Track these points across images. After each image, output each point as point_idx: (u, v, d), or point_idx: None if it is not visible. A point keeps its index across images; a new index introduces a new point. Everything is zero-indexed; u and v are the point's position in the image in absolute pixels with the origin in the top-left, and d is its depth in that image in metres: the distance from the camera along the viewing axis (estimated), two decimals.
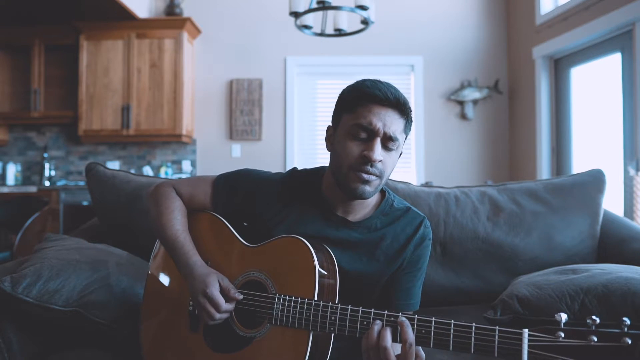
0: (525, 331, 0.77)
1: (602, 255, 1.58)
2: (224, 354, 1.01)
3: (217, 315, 1.00)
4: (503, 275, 1.56)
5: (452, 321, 0.84)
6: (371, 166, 0.98)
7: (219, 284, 1.02)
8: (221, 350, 1.02)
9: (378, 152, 0.98)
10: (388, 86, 1.00)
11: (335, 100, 1.08)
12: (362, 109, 0.99)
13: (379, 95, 0.98)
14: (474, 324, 0.82)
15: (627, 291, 1.07)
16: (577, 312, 1.09)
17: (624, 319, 0.74)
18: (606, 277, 1.14)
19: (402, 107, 1.00)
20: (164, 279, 1.16)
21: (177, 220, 1.13)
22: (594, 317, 0.75)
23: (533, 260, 1.55)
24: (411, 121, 1.04)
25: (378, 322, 0.88)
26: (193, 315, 1.07)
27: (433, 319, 0.86)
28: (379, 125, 0.97)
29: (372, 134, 0.98)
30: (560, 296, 1.12)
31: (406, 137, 1.05)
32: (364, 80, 1.03)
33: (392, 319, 0.88)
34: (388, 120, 0.98)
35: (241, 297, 1.02)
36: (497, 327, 0.80)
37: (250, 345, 0.99)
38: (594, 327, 0.75)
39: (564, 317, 0.77)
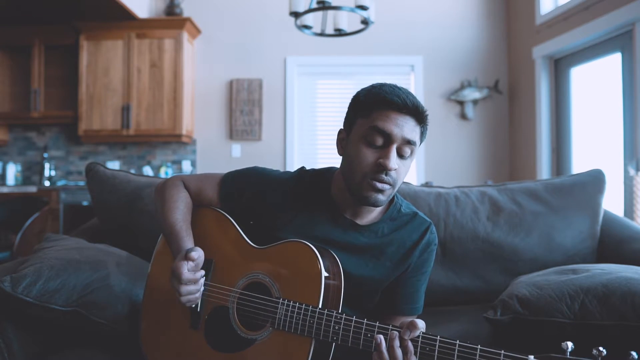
0: (531, 357, 0.76)
1: (602, 255, 1.57)
2: (224, 353, 1.01)
3: (182, 289, 0.98)
4: (503, 275, 1.56)
5: (457, 342, 0.83)
6: (386, 174, 0.96)
7: (186, 253, 1.00)
8: (222, 349, 1.02)
9: (394, 160, 0.95)
10: (407, 93, 0.97)
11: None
12: (378, 114, 0.96)
13: (397, 102, 0.95)
14: (479, 347, 0.81)
15: (627, 291, 1.07)
16: (577, 312, 1.09)
17: (632, 352, 0.72)
18: (606, 277, 1.13)
19: (419, 115, 0.97)
20: (166, 276, 1.15)
21: (179, 210, 1.13)
22: (600, 348, 0.73)
23: (533, 260, 1.55)
24: (426, 129, 1.01)
25: (380, 337, 0.87)
26: (194, 313, 1.07)
27: (438, 337, 0.85)
28: (396, 131, 0.95)
29: (388, 141, 0.96)
30: (560, 296, 1.12)
31: (420, 144, 1.02)
32: (382, 85, 0.99)
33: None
34: (405, 128, 0.96)
35: (197, 254, 1.00)
36: (502, 351, 0.79)
37: (251, 347, 0.99)
38: (600, 359, 0.73)
39: (570, 345, 0.75)
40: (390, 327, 0.89)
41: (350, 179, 1.00)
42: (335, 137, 1.09)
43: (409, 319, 1.09)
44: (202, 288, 1.04)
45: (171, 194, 1.16)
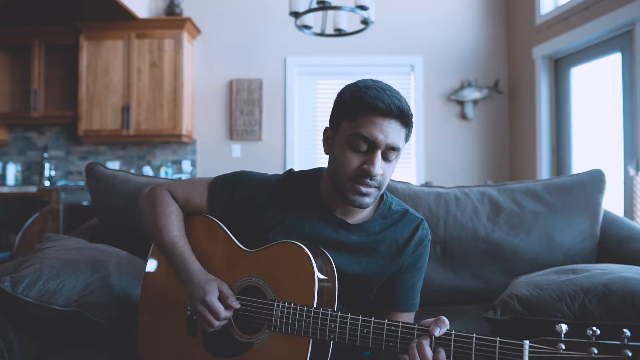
0: (526, 342, 0.77)
1: (602, 255, 1.58)
2: (223, 358, 1.01)
3: (216, 323, 0.99)
4: (503, 275, 1.56)
5: (453, 331, 0.83)
6: (370, 179, 0.96)
7: (219, 290, 1.01)
8: (220, 354, 1.02)
9: (378, 166, 0.95)
10: (392, 96, 0.95)
11: (334, 100, 1.04)
12: (363, 119, 0.95)
13: (382, 108, 0.94)
14: (474, 335, 0.81)
15: (627, 291, 1.07)
16: (577, 312, 1.09)
17: (624, 330, 0.73)
18: (606, 277, 1.13)
19: (404, 118, 0.96)
20: (161, 282, 1.15)
21: (174, 225, 1.12)
22: (594, 328, 0.74)
23: (533, 260, 1.55)
24: (412, 129, 1.01)
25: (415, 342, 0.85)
26: (191, 320, 1.07)
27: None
28: (380, 137, 0.94)
29: (373, 146, 0.95)
30: (560, 296, 1.12)
31: (405, 143, 1.02)
32: (367, 87, 0.97)
33: (393, 327, 0.88)
34: (390, 132, 0.95)
35: (238, 305, 1.01)
36: (497, 338, 0.79)
37: (249, 350, 0.99)
38: (594, 339, 0.74)
39: (564, 327, 0.76)
40: (386, 322, 0.89)
41: (336, 181, 1.01)
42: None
43: (406, 315, 1.09)
44: None
45: (162, 209, 1.14)
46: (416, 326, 0.87)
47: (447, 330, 0.84)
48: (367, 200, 0.99)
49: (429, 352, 0.83)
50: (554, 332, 0.77)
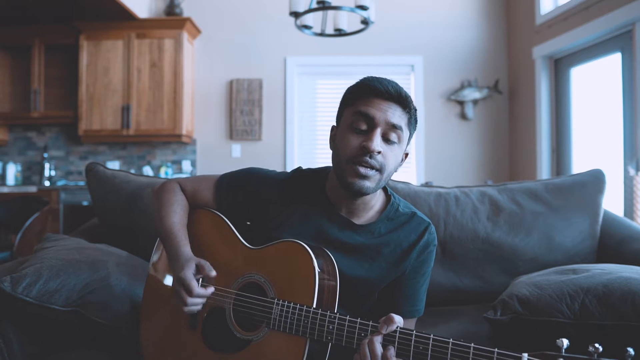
0: (525, 355, 0.76)
1: (602, 255, 1.57)
2: (222, 354, 1.01)
3: (189, 300, 0.98)
4: (503, 275, 1.56)
5: (451, 339, 0.82)
6: (370, 157, 0.96)
7: (197, 265, 1.01)
8: (219, 350, 1.02)
9: (377, 142, 0.96)
10: (390, 82, 1.00)
11: (338, 101, 1.08)
12: (363, 101, 0.99)
13: (379, 88, 0.97)
14: (472, 344, 0.80)
15: (627, 291, 1.07)
16: (577, 312, 1.09)
17: (628, 349, 0.71)
18: (606, 277, 1.13)
19: (403, 101, 0.98)
20: (164, 278, 1.15)
21: (176, 213, 1.14)
22: (596, 344, 0.73)
23: (533, 260, 1.55)
24: (415, 119, 1.03)
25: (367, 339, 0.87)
26: (191, 314, 1.07)
27: (431, 335, 0.84)
28: (378, 115, 0.97)
29: (372, 124, 0.97)
30: (560, 296, 1.12)
31: (410, 134, 1.03)
32: (367, 77, 1.03)
33: (391, 332, 0.87)
34: (389, 112, 0.97)
35: (214, 274, 1.00)
36: (495, 349, 0.78)
37: (247, 347, 0.99)
38: (596, 356, 0.73)
39: (565, 342, 0.75)
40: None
41: (338, 166, 1.02)
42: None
43: (407, 321, 1.08)
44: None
45: (168, 197, 1.16)
46: (414, 332, 0.86)
47: (445, 338, 0.83)
48: (367, 183, 0.98)
49: (378, 348, 0.85)
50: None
